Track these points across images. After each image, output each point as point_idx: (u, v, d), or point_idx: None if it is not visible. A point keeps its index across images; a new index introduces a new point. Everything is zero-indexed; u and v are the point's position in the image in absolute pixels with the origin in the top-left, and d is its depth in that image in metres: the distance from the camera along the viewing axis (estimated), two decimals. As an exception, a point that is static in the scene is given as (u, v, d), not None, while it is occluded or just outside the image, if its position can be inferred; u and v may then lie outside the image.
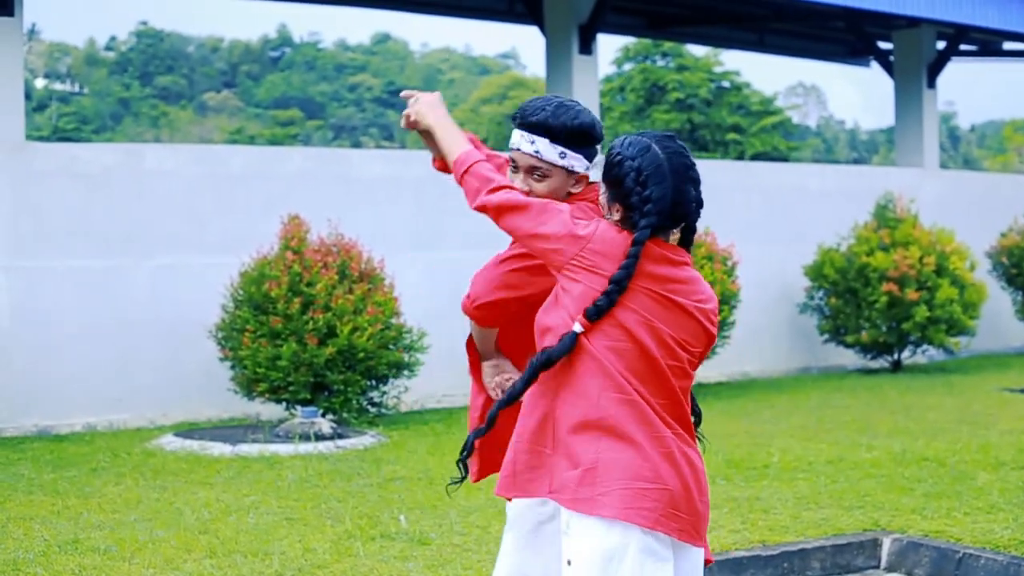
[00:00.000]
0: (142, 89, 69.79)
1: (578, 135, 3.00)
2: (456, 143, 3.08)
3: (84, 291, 9.87)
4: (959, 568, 5.31)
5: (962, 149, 67.31)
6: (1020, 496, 6.29)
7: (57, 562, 5.20)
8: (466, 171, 2.97)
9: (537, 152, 3.01)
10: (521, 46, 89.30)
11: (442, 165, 3.23)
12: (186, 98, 71.18)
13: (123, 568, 5.10)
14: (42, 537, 5.67)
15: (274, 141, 52.99)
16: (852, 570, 5.56)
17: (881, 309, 12.45)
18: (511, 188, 2.93)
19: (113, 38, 78.76)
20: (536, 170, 3.02)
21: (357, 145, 59.07)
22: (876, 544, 5.64)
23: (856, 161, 60.98)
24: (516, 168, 3.05)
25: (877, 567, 5.61)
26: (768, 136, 43.24)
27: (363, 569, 5.06)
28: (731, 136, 42.56)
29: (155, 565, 5.14)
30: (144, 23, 76.44)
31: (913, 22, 14.99)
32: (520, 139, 3.03)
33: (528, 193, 2.99)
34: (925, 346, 13.02)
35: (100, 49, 78.30)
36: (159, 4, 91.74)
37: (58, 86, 71.32)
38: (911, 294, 12.33)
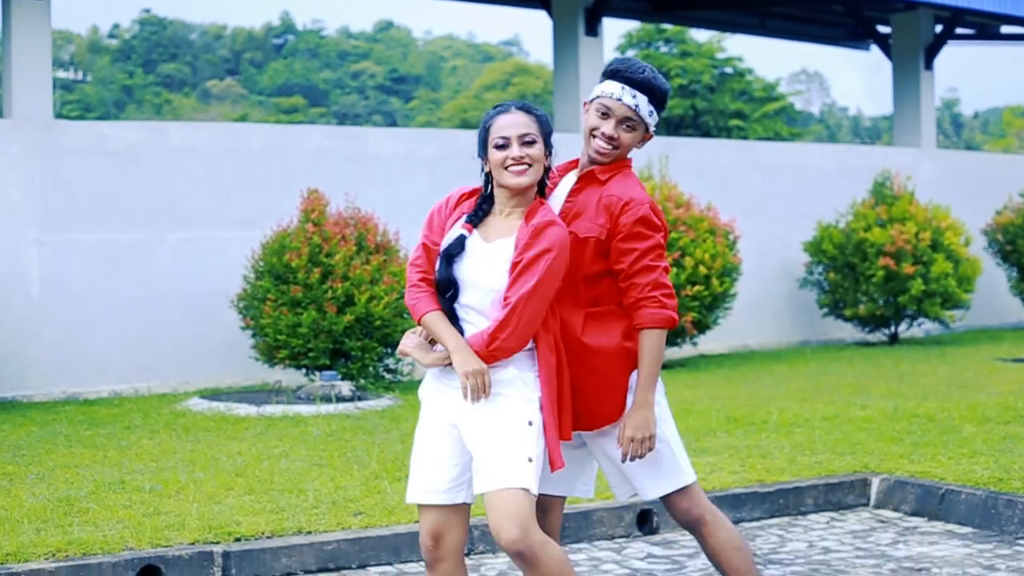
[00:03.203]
0: (145, 77, 70.08)
1: (665, 100, 3.57)
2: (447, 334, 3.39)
3: (110, 264, 10.29)
4: (942, 503, 5.73)
5: (965, 135, 67.55)
6: (1002, 444, 6.71)
7: (108, 498, 5.63)
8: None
9: (636, 107, 3.52)
10: (524, 32, 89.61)
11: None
12: (189, 86, 71.46)
13: (170, 503, 5.53)
14: (90, 479, 6.10)
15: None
16: (843, 507, 5.98)
17: (878, 283, 12.85)
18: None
19: (116, 26, 79.00)
20: (629, 120, 3.51)
21: (362, 132, 59.10)
22: (866, 483, 6.06)
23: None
24: (607, 115, 3.51)
25: (867, 504, 6.04)
26: (771, 122, 43.54)
27: (391, 503, 5.48)
28: (734, 122, 42.85)
29: (199, 500, 5.56)
30: (147, 11, 76.70)
31: (910, 5, 15.36)
32: (622, 91, 3.51)
33: (615, 138, 3.50)
34: (921, 319, 13.42)
35: (103, 37, 78.54)
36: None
37: (61, 74, 71.53)
38: (907, 268, 12.72)
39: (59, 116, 56.59)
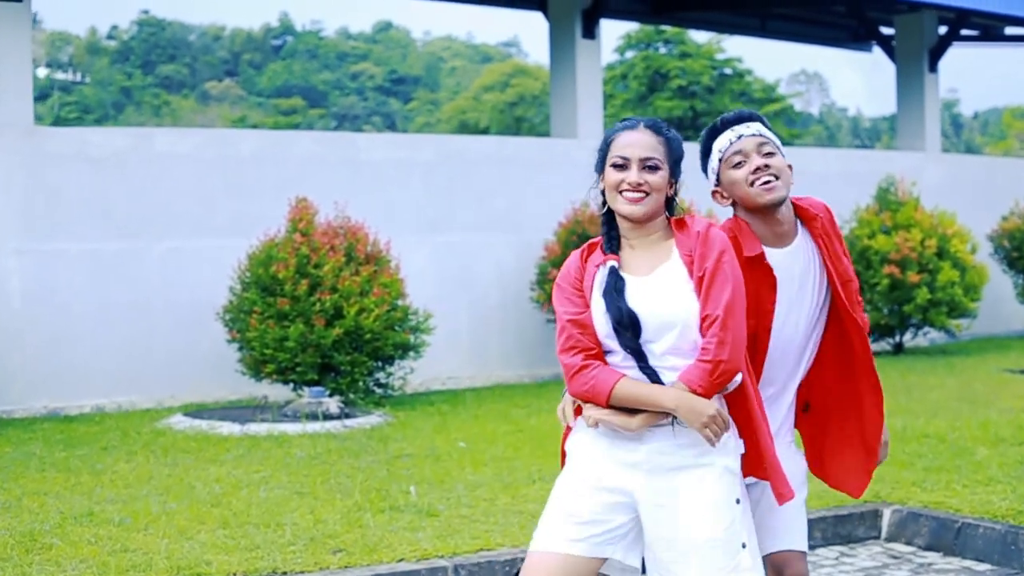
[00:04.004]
0: (144, 78, 69.86)
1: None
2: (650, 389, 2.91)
3: (95, 274, 9.98)
4: (958, 537, 5.41)
5: (964, 136, 67.30)
6: (1018, 470, 6.39)
7: (73, 532, 5.31)
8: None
9: (760, 132, 3.19)
10: (523, 34, 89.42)
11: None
12: (188, 87, 71.25)
13: (138, 538, 5.21)
14: (57, 510, 5.78)
15: (276, 130, 53.01)
16: (853, 540, 5.66)
17: (883, 292, 12.54)
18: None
19: (115, 27, 78.78)
20: (764, 146, 3.19)
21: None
22: (877, 515, 5.74)
23: (859, 148, 61.02)
24: (743, 161, 3.17)
25: (878, 537, 5.72)
26: (770, 123, 43.34)
27: (373, 539, 5.17)
28: (733, 123, 42.62)
29: (169, 535, 5.24)
30: (146, 12, 76.48)
31: (914, 6, 15.05)
32: (733, 132, 3.18)
33: (766, 168, 3.16)
34: (927, 328, 13.11)
35: (102, 38, 78.32)
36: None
37: (60, 75, 71.38)
38: (912, 277, 12.42)
39: (58, 118, 56.40)
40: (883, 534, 5.71)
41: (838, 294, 3.22)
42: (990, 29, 17.48)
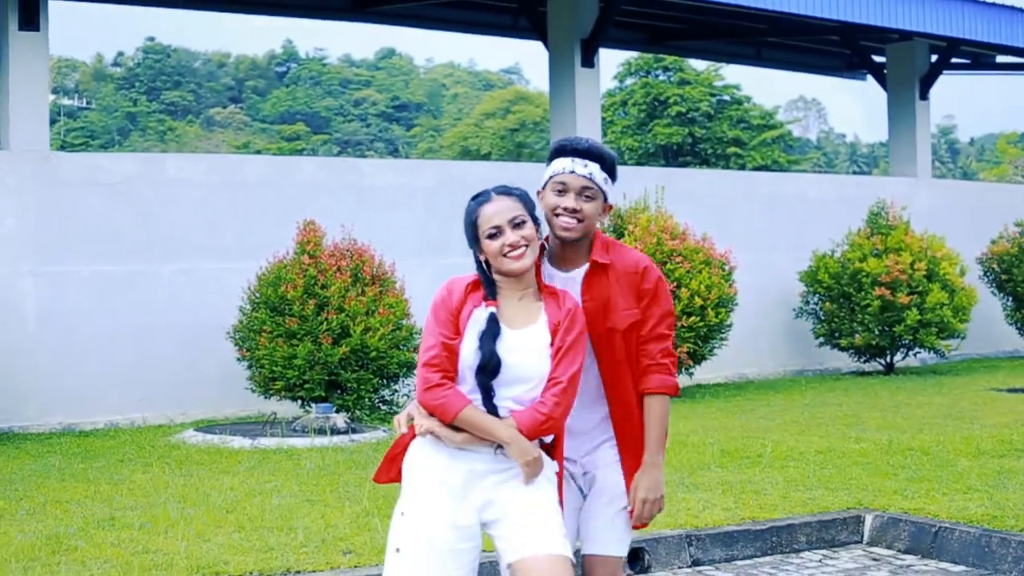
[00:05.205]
0: (149, 104, 70.43)
1: (615, 167, 3.51)
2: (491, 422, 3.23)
3: (106, 295, 10.29)
4: (935, 540, 5.71)
5: (960, 162, 67.70)
6: (997, 479, 6.68)
7: (96, 536, 5.61)
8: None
9: (591, 175, 3.46)
10: (524, 61, 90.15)
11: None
12: (193, 113, 71.80)
13: (159, 541, 5.51)
14: (80, 515, 6.08)
15: (281, 156, 53.42)
16: (836, 544, 5.95)
17: (874, 313, 12.85)
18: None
19: (120, 54, 79.44)
20: (587, 190, 3.45)
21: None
22: (859, 520, 6.04)
23: (856, 174, 61.41)
24: (564, 191, 3.44)
25: (860, 542, 6.01)
26: (768, 150, 43.74)
27: (382, 541, 5.44)
28: (732, 150, 43.03)
29: (188, 538, 5.54)
30: (151, 39, 77.14)
31: (905, 36, 15.43)
32: (572, 163, 3.45)
33: (574, 212, 3.41)
34: (917, 349, 13.41)
35: (107, 65, 78.95)
36: (166, 20, 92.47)
37: (66, 101, 71.94)
38: (903, 298, 12.73)
39: (64, 143, 56.80)
40: (865, 538, 6.01)
41: (596, 328, 3.44)
42: (980, 57, 17.86)
